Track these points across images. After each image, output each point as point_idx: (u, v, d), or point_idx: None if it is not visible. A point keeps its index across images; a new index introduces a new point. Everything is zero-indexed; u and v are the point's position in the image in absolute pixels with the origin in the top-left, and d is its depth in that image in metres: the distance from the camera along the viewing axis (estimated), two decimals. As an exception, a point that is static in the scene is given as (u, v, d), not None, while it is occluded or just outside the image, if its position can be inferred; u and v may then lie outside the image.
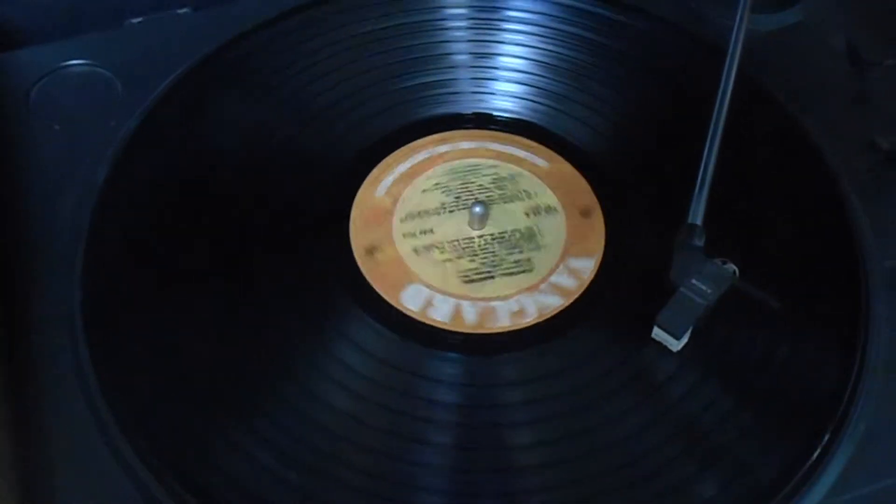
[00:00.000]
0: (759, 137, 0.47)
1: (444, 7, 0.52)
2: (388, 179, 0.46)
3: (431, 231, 0.45)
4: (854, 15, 0.53)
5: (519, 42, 0.51)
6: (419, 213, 0.45)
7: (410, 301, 0.42)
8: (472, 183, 0.46)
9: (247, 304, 0.42)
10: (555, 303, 0.42)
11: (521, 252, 0.44)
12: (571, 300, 0.42)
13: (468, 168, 0.47)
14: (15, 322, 0.40)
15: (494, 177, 0.47)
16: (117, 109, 0.47)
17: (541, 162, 0.47)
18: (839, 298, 0.42)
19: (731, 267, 0.40)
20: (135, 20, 0.52)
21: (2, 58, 0.50)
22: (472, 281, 0.43)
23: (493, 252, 0.44)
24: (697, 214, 0.41)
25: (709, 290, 0.39)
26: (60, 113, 0.47)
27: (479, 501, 0.37)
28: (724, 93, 0.44)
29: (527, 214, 0.45)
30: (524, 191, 0.46)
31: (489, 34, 0.51)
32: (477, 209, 0.44)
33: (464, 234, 0.45)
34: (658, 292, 0.40)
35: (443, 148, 0.48)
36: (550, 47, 0.51)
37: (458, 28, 0.52)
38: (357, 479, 0.37)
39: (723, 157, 0.42)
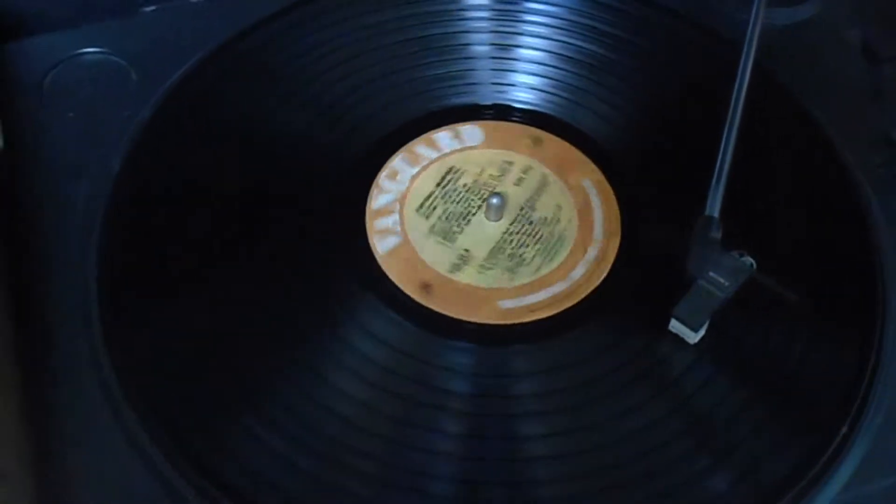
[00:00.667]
0: (774, 131, 0.47)
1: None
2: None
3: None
4: (869, 10, 0.53)
5: (538, 34, 0.51)
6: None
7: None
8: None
9: (261, 291, 0.42)
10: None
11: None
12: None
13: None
14: (30, 311, 0.40)
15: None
16: (131, 98, 0.47)
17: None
18: (855, 292, 0.42)
19: (749, 259, 0.40)
20: (148, 8, 0.51)
21: (16, 45, 0.49)
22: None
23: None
24: (715, 207, 0.41)
25: (726, 283, 0.39)
26: (74, 101, 0.47)
27: (490, 490, 0.37)
28: (741, 87, 0.44)
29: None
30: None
31: (508, 26, 0.51)
32: (494, 200, 0.44)
33: (483, 230, 0.45)
34: (675, 285, 0.40)
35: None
36: (569, 40, 0.51)
37: (478, 19, 0.52)
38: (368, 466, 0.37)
39: (738, 150, 0.42)
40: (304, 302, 0.42)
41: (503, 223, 0.45)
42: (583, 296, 0.42)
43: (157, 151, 0.45)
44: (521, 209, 0.45)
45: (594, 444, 0.38)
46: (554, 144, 0.47)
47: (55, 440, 0.37)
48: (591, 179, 0.46)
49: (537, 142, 0.47)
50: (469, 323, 0.41)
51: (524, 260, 0.44)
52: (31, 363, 0.39)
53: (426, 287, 0.42)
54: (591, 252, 0.44)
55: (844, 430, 0.38)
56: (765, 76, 0.47)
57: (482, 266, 0.43)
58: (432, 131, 0.48)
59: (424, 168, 0.47)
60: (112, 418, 0.38)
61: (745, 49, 0.45)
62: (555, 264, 0.43)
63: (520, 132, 0.48)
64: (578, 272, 0.43)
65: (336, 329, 0.41)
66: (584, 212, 0.45)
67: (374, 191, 0.46)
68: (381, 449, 0.37)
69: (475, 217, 0.45)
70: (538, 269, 0.43)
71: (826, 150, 0.46)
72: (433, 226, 0.45)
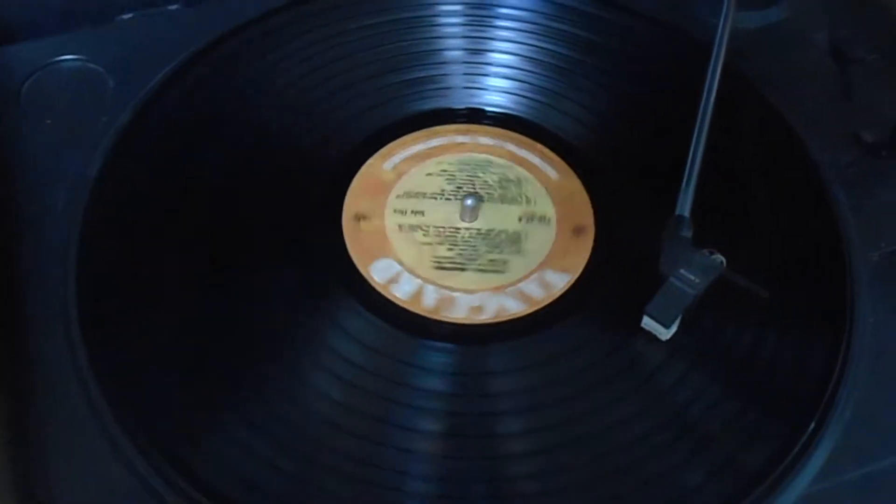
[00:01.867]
0: (744, 132, 0.48)
1: (437, 4, 0.53)
2: (401, 155, 0.47)
3: (422, 213, 0.45)
4: (837, 12, 0.54)
5: (510, 39, 0.52)
6: (416, 193, 0.46)
7: (379, 273, 0.43)
8: (479, 178, 0.47)
9: (241, 296, 0.42)
10: (515, 308, 0.43)
11: (500, 252, 0.44)
12: (533, 309, 0.43)
13: (480, 163, 0.47)
14: (9, 318, 0.40)
15: (502, 176, 0.47)
16: (109, 105, 0.47)
17: (552, 173, 0.47)
18: (824, 288, 0.42)
19: (719, 257, 0.40)
20: (126, 16, 0.52)
21: (-7, 53, 0.50)
22: (444, 268, 0.44)
23: (473, 246, 0.45)
24: (685, 206, 0.41)
25: (697, 280, 0.39)
26: (52, 108, 0.47)
27: (469, 487, 0.37)
28: (710, 88, 0.45)
29: (520, 219, 0.46)
30: (525, 196, 0.46)
31: (481, 31, 0.52)
32: (469, 201, 0.45)
33: (451, 224, 0.45)
34: (648, 283, 0.40)
35: (462, 138, 0.48)
36: (541, 44, 0.51)
37: (451, 24, 0.52)
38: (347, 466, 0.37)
39: (710, 150, 0.43)
40: (282, 302, 0.42)
41: (475, 225, 0.45)
42: (527, 312, 0.42)
43: (134, 157, 0.46)
44: (498, 216, 0.46)
45: (567, 440, 0.38)
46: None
47: (36, 447, 0.37)
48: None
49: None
50: (443, 323, 0.42)
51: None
52: (9, 370, 0.39)
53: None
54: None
55: (814, 424, 0.38)
56: (735, 77, 0.48)
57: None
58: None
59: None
60: (92, 422, 0.38)
61: (714, 51, 0.46)
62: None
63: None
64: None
65: (313, 327, 0.41)
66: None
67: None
68: (360, 448, 0.38)
69: (450, 214, 0.46)
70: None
71: (796, 150, 0.47)
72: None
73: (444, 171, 0.47)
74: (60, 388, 0.39)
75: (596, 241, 0.45)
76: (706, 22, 0.50)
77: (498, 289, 0.43)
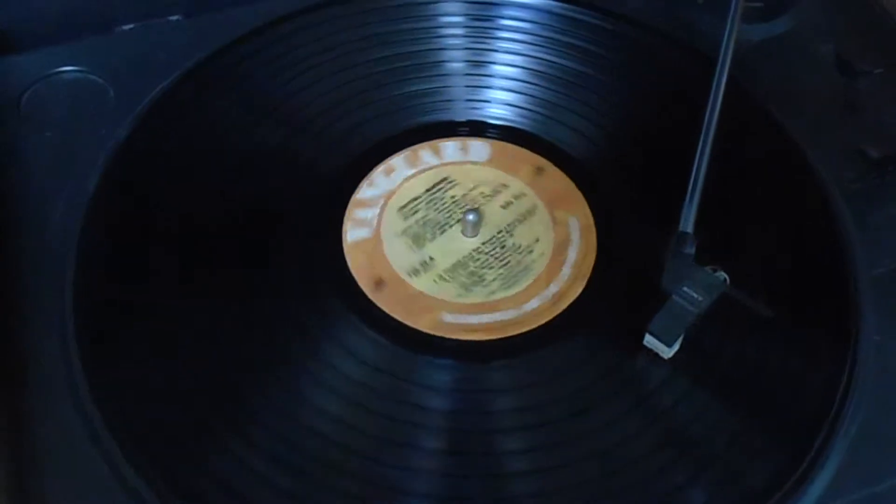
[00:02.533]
0: (748, 146, 0.48)
1: (438, 15, 0.52)
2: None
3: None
4: (843, 24, 0.53)
5: (513, 51, 0.51)
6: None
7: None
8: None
9: (238, 310, 0.42)
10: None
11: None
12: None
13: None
14: (5, 330, 0.40)
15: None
16: (108, 116, 0.47)
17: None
18: (829, 305, 0.42)
19: (722, 275, 0.40)
20: (126, 27, 0.51)
21: (-7, 64, 0.49)
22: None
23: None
24: (688, 222, 0.41)
25: (700, 298, 0.39)
26: (51, 120, 0.47)
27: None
28: (714, 102, 0.44)
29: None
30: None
31: (483, 42, 0.52)
32: (470, 216, 0.44)
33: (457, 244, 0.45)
34: (651, 299, 0.40)
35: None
36: (544, 56, 0.51)
37: (453, 36, 0.52)
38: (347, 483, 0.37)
39: (713, 165, 0.43)
40: (281, 317, 0.42)
41: (476, 241, 0.45)
42: (529, 328, 0.42)
43: (134, 169, 0.45)
44: (499, 232, 0.45)
45: (570, 459, 0.38)
46: (555, 177, 0.47)
47: (30, 462, 0.37)
48: (577, 218, 0.46)
49: (539, 171, 0.47)
50: (407, 327, 0.42)
51: (483, 280, 0.44)
52: (6, 385, 0.39)
53: (379, 283, 0.43)
54: (553, 289, 0.43)
55: (818, 443, 0.38)
56: (740, 91, 0.47)
57: (440, 276, 0.44)
58: (440, 139, 0.48)
59: (421, 172, 0.47)
60: (89, 440, 0.37)
61: (719, 64, 0.45)
62: (511, 292, 0.43)
63: (525, 159, 0.48)
64: (532, 305, 0.43)
65: (295, 323, 0.41)
66: (560, 249, 0.45)
67: (364, 182, 0.46)
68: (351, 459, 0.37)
69: (451, 229, 0.45)
70: (493, 292, 0.43)
71: (800, 165, 0.46)
72: (408, 228, 0.45)
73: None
74: (56, 406, 0.38)
75: (597, 259, 0.45)
76: (711, 34, 0.50)
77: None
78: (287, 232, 0.44)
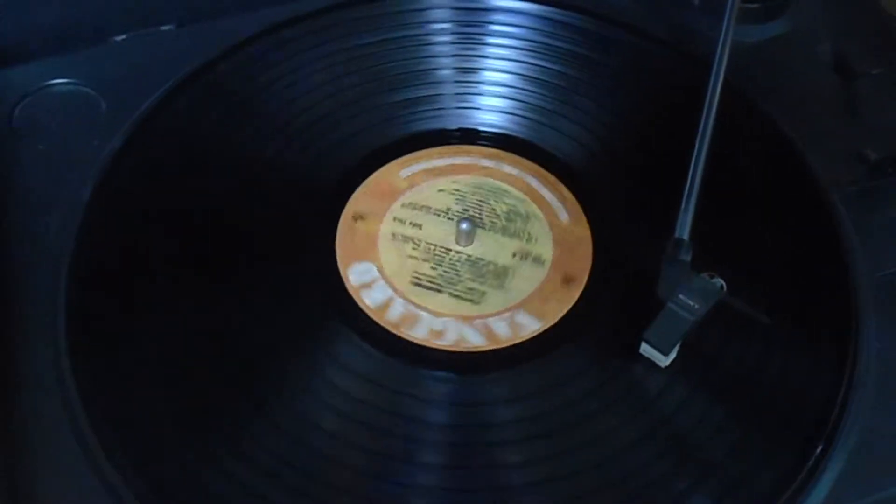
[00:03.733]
0: (746, 150, 0.47)
1: (428, 22, 0.52)
2: (419, 166, 0.47)
3: (420, 227, 0.45)
4: (841, 25, 0.53)
5: (504, 57, 0.51)
6: (422, 206, 0.46)
7: (354, 276, 0.43)
8: (488, 205, 0.46)
9: (232, 318, 0.41)
10: (475, 341, 0.42)
11: (481, 283, 0.44)
12: (493, 347, 0.42)
13: (494, 190, 0.47)
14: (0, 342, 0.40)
15: (511, 209, 0.46)
16: (101, 128, 0.47)
17: (564, 217, 0.46)
18: (828, 311, 0.42)
19: (719, 281, 0.39)
20: (119, 38, 0.51)
21: (-14, 77, 0.49)
22: (420, 285, 0.43)
23: (457, 271, 0.44)
24: (684, 228, 0.41)
25: (696, 306, 0.38)
26: (44, 132, 0.47)
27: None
28: (710, 104, 0.44)
29: (514, 255, 0.45)
30: (528, 233, 0.46)
31: (474, 49, 0.51)
32: (463, 225, 0.44)
33: (444, 244, 0.45)
34: (645, 308, 0.39)
35: (486, 162, 0.48)
36: (536, 62, 0.51)
37: (442, 43, 0.52)
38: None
39: (710, 170, 0.42)
40: (273, 323, 0.42)
41: (468, 250, 0.45)
42: (543, 329, 0.42)
43: (127, 181, 0.45)
44: (494, 248, 0.45)
45: (570, 470, 0.38)
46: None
47: (21, 469, 0.37)
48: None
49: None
50: (422, 346, 0.41)
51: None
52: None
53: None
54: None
55: (819, 450, 0.38)
56: (736, 94, 0.47)
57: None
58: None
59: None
60: (82, 454, 0.37)
61: (714, 66, 0.45)
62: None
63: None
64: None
65: (299, 347, 0.41)
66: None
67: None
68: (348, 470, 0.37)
69: (447, 234, 0.45)
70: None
71: (799, 168, 0.46)
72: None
73: (457, 190, 0.47)
74: (48, 414, 0.38)
75: (592, 266, 0.44)
76: (706, 36, 0.50)
77: (466, 318, 0.42)
78: (283, 244, 0.44)
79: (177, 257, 0.43)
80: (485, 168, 0.48)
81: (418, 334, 0.42)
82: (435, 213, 0.46)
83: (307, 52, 0.50)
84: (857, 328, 0.41)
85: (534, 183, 0.47)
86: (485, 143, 0.48)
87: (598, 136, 0.48)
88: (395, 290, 0.43)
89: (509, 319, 0.42)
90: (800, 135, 0.47)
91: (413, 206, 0.46)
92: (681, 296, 0.39)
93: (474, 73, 0.51)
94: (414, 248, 0.44)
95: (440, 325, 0.42)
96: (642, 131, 0.49)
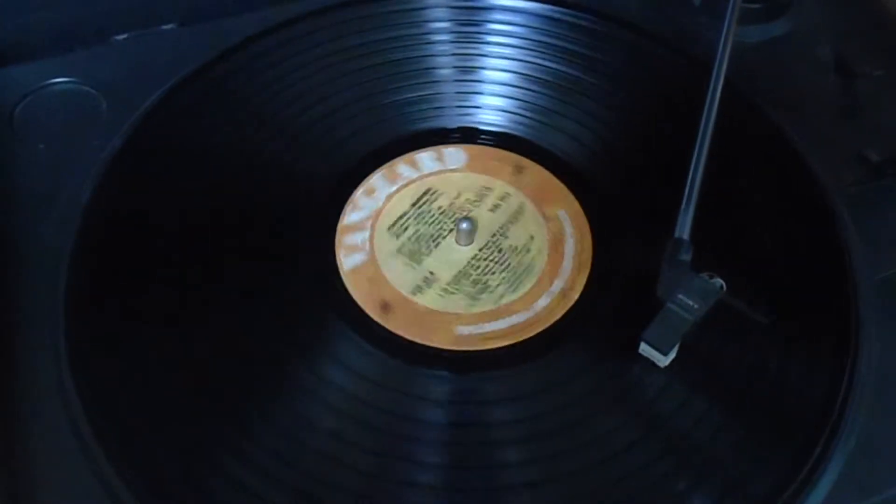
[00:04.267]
0: (746, 150, 0.47)
1: (428, 21, 0.52)
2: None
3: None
4: (842, 26, 0.53)
5: (504, 55, 0.51)
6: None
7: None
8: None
9: (231, 318, 0.41)
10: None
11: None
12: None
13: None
14: (-2, 343, 0.40)
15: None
16: (102, 128, 0.47)
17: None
18: (829, 312, 0.41)
19: (719, 281, 0.39)
20: (120, 37, 0.51)
21: (-14, 76, 0.49)
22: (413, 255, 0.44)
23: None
24: (684, 229, 0.40)
25: (695, 306, 0.38)
26: (44, 132, 0.47)
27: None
28: (711, 105, 0.44)
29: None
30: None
31: (474, 48, 0.51)
32: (463, 225, 0.44)
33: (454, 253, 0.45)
34: (643, 314, 0.39)
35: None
36: (537, 60, 0.51)
37: (442, 42, 0.52)
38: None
39: (710, 170, 0.42)
40: (273, 325, 0.41)
41: (472, 248, 0.45)
42: (542, 328, 0.42)
43: (127, 180, 0.45)
44: (493, 236, 0.45)
45: (569, 470, 0.37)
46: (535, 173, 0.47)
47: (22, 472, 0.37)
48: (567, 211, 0.46)
49: (518, 169, 0.47)
50: (423, 346, 0.41)
51: (488, 287, 0.43)
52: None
53: (385, 307, 0.42)
54: (557, 284, 0.43)
55: (818, 452, 0.37)
56: (737, 94, 0.47)
57: (445, 290, 0.43)
58: (415, 151, 0.48)
59: (403, 187, 0.47)
60: (78, 449, 0.37)
61: (715, 66, 0.45)
62: (519, 294, 0.43)
63: (503, 159, 0.48)
64: (542, 303, 0.43)
65: (300, 349, 0.40)
66: (556, 243, 0.45)
67: (348, 207, 0.46)
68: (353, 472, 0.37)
69: (445, 240, 0.45)
70: (501, 297, 0.43)
71: (798, 169, 0.46)
72: (402, 246, 0.45)
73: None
74: (47, 415, 0.38)
75: (593, 263, 0.44)
76: (707, 36, 0.50)
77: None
78: (283, 244, 0.44)
79: (177, 257, 0.43)
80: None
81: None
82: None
83: (308, 51, 0.50)
84: (858, 329, 0.40)
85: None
86: (491, 143, 0.48)
87: (599, 135, 0.48)
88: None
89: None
90: (800, 135, 0.47)
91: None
92: (680, 296, 0.38)
93: (474, 72, 0.50)
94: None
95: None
96: (643, 131, 0.49)
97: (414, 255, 0.44)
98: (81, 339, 0.40)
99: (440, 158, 0.48)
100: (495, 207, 0.46)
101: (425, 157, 0.48)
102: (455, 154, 0.48)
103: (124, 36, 0.51)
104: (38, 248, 0.43)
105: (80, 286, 0.41)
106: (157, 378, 0.39)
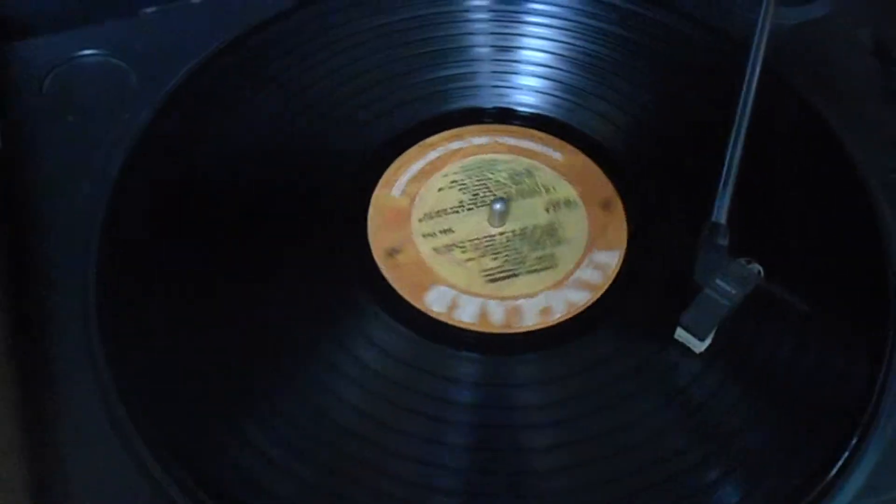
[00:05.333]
0: (783, 134, 0.47)
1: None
2: (404, 178, 0.46)
3: (451, 230, 0.44)
4: (883, 9, 0.52)
5: (540, 35, 0.50)
6: (437, 212, 0.45)
7: (436, 303, 0.42)
8: (489, 179, 0.46)
9: (263, 301, 0.41)
10: (582, 299, 0.42)
11: (543, 248, 0.43)
12: (598, 295, 0.42)
13: (483, 164, 0.46)
14: (29, 314, 0.40)
15: (511, 172, 0.46)
16: (131, 101, 0.47)
17: (556, 154, 0.46)
18: (866, 301, 0.41)
19: (756, 267, 0.39)
20: (149, 9, 0.51)
21: (16, 47, 0.49)
22: (496, 279, 0.42)
23: (515, 249, 0.43)
24: (721, 213, 0.40)
25: (733, 291, 0.38)
26: (74, 104, 0.47)
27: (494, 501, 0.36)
28: (749, 88, 0.43)
29: (546, 210, 0.45)
30: (542, 185, 0.45)
31: (510, 27, 0.51)
32: (497, 206, 0.43)
33: (484, 233, 0.44)
34: (681, 291, 0.39)
35: (455, 144, 0.47)
36: (572, 41, 0.50)
37: (479, 21, 0.51)
38: (372, 479, 0.36)
39: (747, 154, 0.42)
40: (304, 306, 0.41)
41: (507, 227, 0.44)
42: (594, 299, 0.42)
43: (156, 154, 0.45)
44: (525, 212, 0.45)
45: (600, 454, 0.37)
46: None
47: (53, 448, 0.37)
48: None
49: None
50: (481, 334, 0.41)
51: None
52: (28, 367, 0.38)
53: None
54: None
55: (855, 440, 0.37)
56: (775, 77, 0.46)
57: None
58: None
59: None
60: (114, 435, 0.37)
61: (753, 49, 0.44)
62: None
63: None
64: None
65: (336, 334, 0.40)
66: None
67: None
68: (380, 458, 0.37)
69: (479, 223, 0.44)
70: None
71: (837, 154, 0.45)
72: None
73: (454, 182, 0.46)
74: (77, 386, 0.38)
75: (626, 211, 0.44)
76: (745, 17, 0.49)
77: (557, 284, 0.42)
78: (315, 222, 0.44)
79: (207, 232, 0.43)
80: (459, 150, 0.47)
81: (530, 322, 0.41)
82: (454, 212, 0.45)
83: (340, 27, 0.50)
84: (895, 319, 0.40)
85: (508, 140, 0.47)
86: (518, 122, 0.48)
87: (635, 116, 0.48)
88: (480, 296, 0.42)
89: (591, 264, 0.43)
90: (839, 120, 0.46)
91: (430, 216, 0.44)
92: (718, 281, 0.38)
93: (510, 51, 0.50)
94: (463, 252, 0.43)
95: (542, 301, 0.41)
96: (679, 114, 0.48)
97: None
98: (112, 312, 0.40)
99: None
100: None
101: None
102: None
103: (153, 9, 0.51)
104: (69, 219, 0.43)
105: (112, 258, 0.41)
106: (188, 349, 0.39)
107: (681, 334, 0.39)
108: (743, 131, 0.42)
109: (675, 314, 0.38)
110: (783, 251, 0.42)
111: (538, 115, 0.48)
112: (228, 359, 0.39)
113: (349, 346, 0.40)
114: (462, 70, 0.49)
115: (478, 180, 0.46)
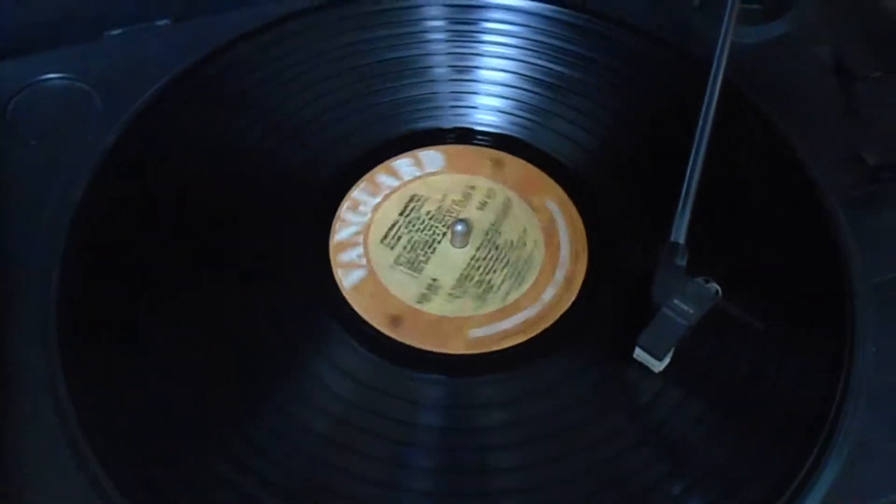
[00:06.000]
0: (744, 152, 0.47)
1: (424, 20, 0.52)
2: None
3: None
4: (841, 27, 0.52)
5: (500, 55, 0.51)
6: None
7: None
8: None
9: (224, 322, 0.41)
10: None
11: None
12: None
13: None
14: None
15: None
16: (95, 124, 0.47)
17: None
18: (825, 316, 0.41)
19: (714, 287, 0.39)
20: (114, 32, 0.51)
21: (-22, 71, 0.49)
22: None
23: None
24: (680, 232, 0.40)
25: (691, 311, 0.38)
26: (37, 127, 0.47)
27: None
28: (709, 106, 0.43)
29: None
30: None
31: (470, 47, 0.51)
32: (459, 227, 0.43)
33: (446, 253, 0.44)
34: (641, 310, 0.39)
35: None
36: (533, 60, 0.50)
37: (438, 41, 0.51)
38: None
39: (707, 172, 0.42)
40: (270, 339, 0.41)
41: (469, 249, 0.44)
42: (554, 319, 0.42)
43: (120, 178, 0.45)
44: (487, 234, 0.45)
45: (564, 475, 0.37)
46: (516, 166, 0.47)
47: (11, 470, 0.36)
48: (554, 200, 0.46)
49: (498, 164, 0.47)
50: (439, 354, 0.41)
51: (493, 286, 0.43)
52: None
53: (395, 320, 0.42)
54: (560, 274, 0.43)
55: (814, 455, 0.37)
56: (735, 95, 0.47)
57: (450, 295, 0.43)
58: (391, 159, 0.47)
59: (387, 197, 0.46)
60: (71, 456, 0.37)
61: (714, 67, 0.44)
62: (524, 288, 0.43)
63: (480, 155, 0.47)
64: (548, 295, 0.43)
65: (305, 366, 0.40)
66: (550, 233, 0.45)
67: (336, 224, 0.45)
68: (350, 485, 0.37)
69: (441, 245, 0.45)
70: (507, 294, 0.43)
71: (797, 171, 0.46)
72: (398, 256, 0.44)
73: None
74: (38, 415, 0.38)
75: (586, 230, 0.45)
76: (706, 37, 0.49)
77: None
78: (277, 243, 0.44)
79: (170, 255, 0.43)
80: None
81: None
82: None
83: (303, 48, 0.50)
84: (854, 333, 0.40)
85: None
86: (479, 142, 0.48)
87: (596, 135, 0.48)
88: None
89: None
90: (799, 138, 0.47)
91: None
92: (675, 301, 0.38)
93: (470, 71, 0.50)
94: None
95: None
96: (640, 132, 0.48)
97: (413, 264, 0.44)
98: (73, 337, 0.39)
99: (418, 164, 0.47)
100: (483, 205, 0.46)
101: (403, 164, 0.47)
102: (432, 157, 0.47)
103: (118, 31, 0.51)
104: (30, 244, 0.43)
105: (73, 282, 0.41)
106: (150, 376, 0.39)
107: (639, 354, 0.39)
108: (703, 150, 0.42)
109: (635, 333, 0.39)
110: (742, 269, 0.42)
111: (497, 133, 0.48)
112: (193, 386, 0.39)
113: (315, 373, 0.40)
114: (421, 91, 0.49)
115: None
